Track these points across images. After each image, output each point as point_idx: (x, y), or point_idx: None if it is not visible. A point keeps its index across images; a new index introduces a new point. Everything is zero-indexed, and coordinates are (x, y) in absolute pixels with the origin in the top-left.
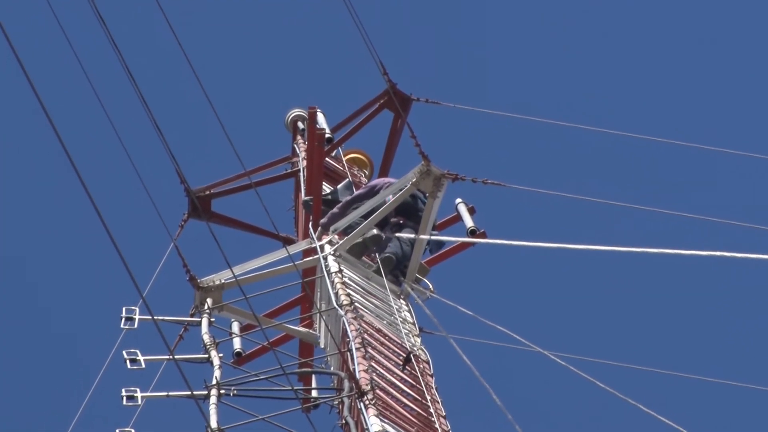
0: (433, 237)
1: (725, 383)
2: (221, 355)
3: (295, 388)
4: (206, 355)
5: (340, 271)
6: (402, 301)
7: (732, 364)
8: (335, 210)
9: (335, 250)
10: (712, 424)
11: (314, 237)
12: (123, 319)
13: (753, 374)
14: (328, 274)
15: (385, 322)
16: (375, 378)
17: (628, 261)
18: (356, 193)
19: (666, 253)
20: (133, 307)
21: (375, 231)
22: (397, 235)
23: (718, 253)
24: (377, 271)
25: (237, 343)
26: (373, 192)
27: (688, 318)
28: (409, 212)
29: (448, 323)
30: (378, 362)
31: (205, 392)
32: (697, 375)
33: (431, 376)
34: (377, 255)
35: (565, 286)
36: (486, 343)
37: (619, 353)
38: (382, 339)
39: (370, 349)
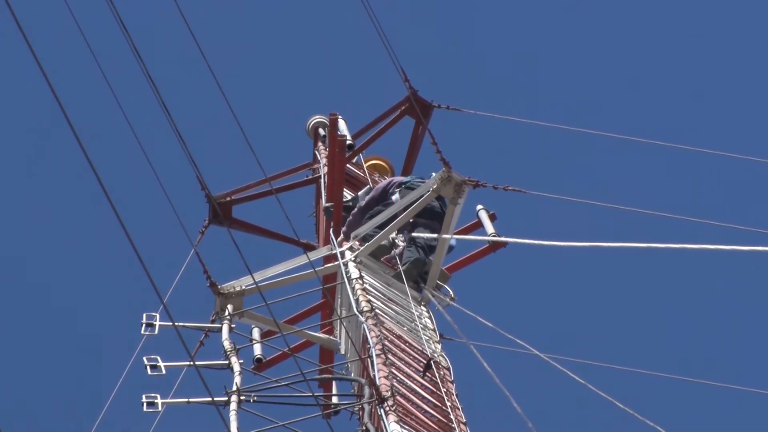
0: (455, 237)
1: (727, 387)
2: (242, 361)
3: (315, 394)
4: (227, 362)
5: (361, 277)
6: (423, 307)
7: (732, 368)
8: (351, 217)
9: (356, 257)
10: (707, 426)
11: (335, 243)
12: (144, 326)
13: (756, 377)
14: (348, 281)
15: (405, 328)
16: (395, 384)
17: (650, 265)
18: (368, 197)
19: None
20: (153, 314)
21: (418, 255)
22: (419, 235)
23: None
24: (398, 277)
25: (257, 350)
26: (386, 193)
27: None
28: (433, 215)
29: (469, 330)
30: (398, 369)
31: (226, 398)
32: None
33: (452, 382)
34: (400, 266)
35: (585, 294)
36: (507, 350)
37: (643, 362)
38: (403, 345)
39: (390, 356)
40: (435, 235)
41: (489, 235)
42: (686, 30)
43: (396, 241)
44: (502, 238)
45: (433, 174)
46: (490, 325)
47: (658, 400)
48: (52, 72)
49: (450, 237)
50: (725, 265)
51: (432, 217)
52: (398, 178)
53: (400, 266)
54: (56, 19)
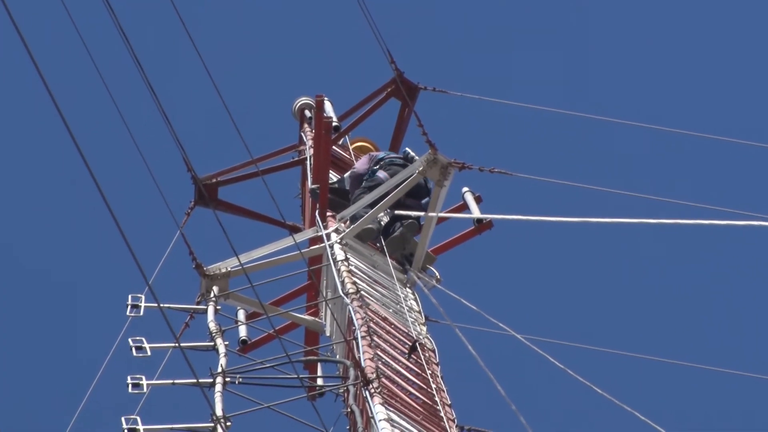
0: (441, 214)
1: (711, 369)
2: (227, 343)
3: (300, 376)
4: (212, 343)
5: (347, 259)
6: (408, 289)
7: (714, 350)
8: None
9: (341, 239)
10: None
11: (320, 225)
12: (129, 307)
13: (737, 359)
14: (334, 263)
15: (391, 310)
16: (380, 366)
17: (636, 248)
18: (355, 172)
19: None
20: (139, 295)
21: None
22: (403, 212)
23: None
24: (382, 251)
25: (243, 331)
26: (372, 162)
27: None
28: (420, 194)
29: (454, 312)
30: (384, 351)
31: (211, 380)
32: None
33: (437, 364)
34: (383, 239)
35: (571, 277)
36: (491, 332)
37: (632, 345)
38: (388, 327)
39: (375, 338)
40: (420, 213)
41: (474, 218)
42: (667, 17)
43: (382, 222)
44: (487, 215)
45: (407, 149)
46: (474, 308)
47: (644, 382)
48: (36, 49)
49: (435, 215)
50: (711, 246)
51: (418, 196)
52: (373, 154)
53: (384, 242)
54: None
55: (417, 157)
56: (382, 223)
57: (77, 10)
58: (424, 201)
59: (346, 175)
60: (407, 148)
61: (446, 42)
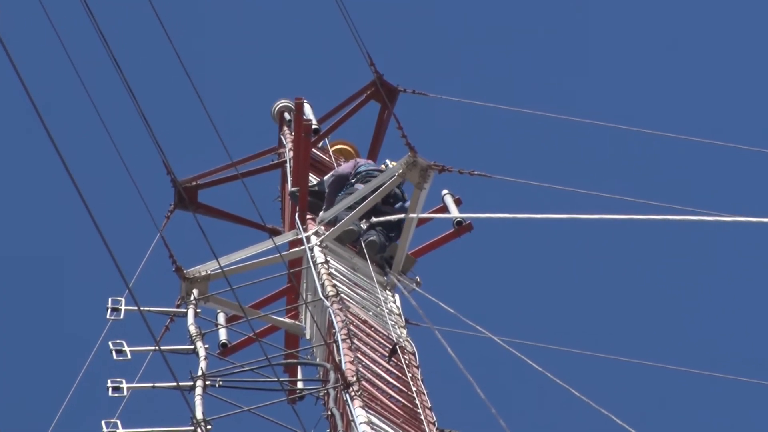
0: (421, 215)
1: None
2: (207, 346)
3: (280, 379)
4: (192, 346)
5: (327, 262)
6: (388, 292)
7: (692, 352)
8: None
9: (321, 241)
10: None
11: (300, 228)
12: (109, 310)
13: (715, 360)
14: (314, 265)
15: (371, 313)
16: (361, 369)
17: (615, 250)
18: (338, 173)
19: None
20: (119, 298)
21: (376, 238)
22: (380, 220)
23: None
24: (362, 255)
25: (223, 334)
26: (347, 178)
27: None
28: (394, 201)
29: (434, 315)
30: (364, 353)
31: (191, 383)
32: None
33: (417, 367)
34: (361, 240)
35: (550, 279)
36: (471, 335)
37: (610, 347)
38: (368, 330)
39: (356, 341)
40: (400, 216)
41: (454, 220)
42: (650, 20)
43: (362, 226)
44: (466, 215)
45: (387, 161)
46: (452, 311)
47: (622, 385)
48: (15, 53)
49: (415, 216)
50: (693, 248)
51: (393, 203)
52: (359, 161)
53: (363, 244)
54: None
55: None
56: (363, 227)
57: (56, 12)
58: (397, 205)
59: (327, 176)
60: (387, 160)
61: (426, 44)
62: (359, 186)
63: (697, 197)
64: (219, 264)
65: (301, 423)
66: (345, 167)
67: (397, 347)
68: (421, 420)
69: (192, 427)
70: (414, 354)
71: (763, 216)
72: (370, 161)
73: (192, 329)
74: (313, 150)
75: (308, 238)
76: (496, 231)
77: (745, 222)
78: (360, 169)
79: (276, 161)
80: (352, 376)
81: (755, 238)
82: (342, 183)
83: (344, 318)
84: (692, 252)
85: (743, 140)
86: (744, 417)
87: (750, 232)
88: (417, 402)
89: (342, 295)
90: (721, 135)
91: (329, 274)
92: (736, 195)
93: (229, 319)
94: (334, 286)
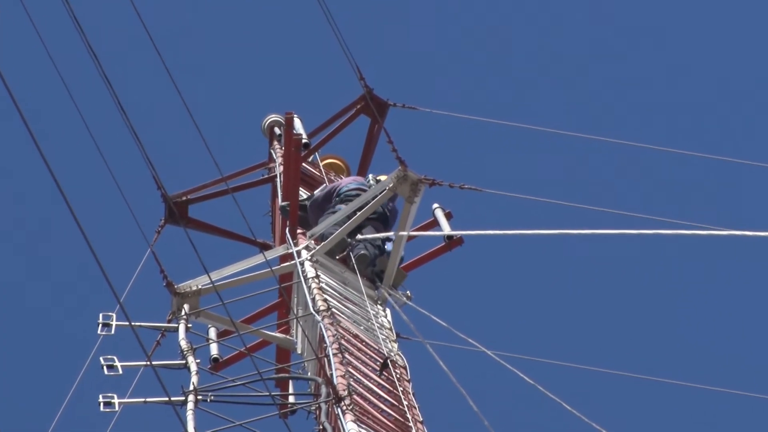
0: (412, 233)
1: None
2: (198, 361)
3: (272, 393)
4: (183, 361)
5: (317, 276)
6: (379, 306)
7: (684, 366)
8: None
9: (312, 256)
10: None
11: (291, 242)
12: (100, 325)
13: (708, 374)
14: (304, 280)
15: (362, 327)
16: (352, 383)
17: (607, 263)
18: (319, 195)
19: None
20: (110, 313)
21: (366, 252)
22: (370, 236)
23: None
24: (352, 269)
25: (214, 349)
26: (330, 196)
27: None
28: (381, 218)
29: (425, 329)
30: (355, 368)
31: (183, 398)
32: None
33: (408, 381)
34: (351, 254)
35: (541, 292)
36: (462, 348)
37: (602, 361)
38: (360, 345)
39: (347, 355)
40: (387, 234)
41: (445, 234)
42: (641, 30)
43: (352, 241)
44: (457, 231)
45: (370, 176)
46: (444, 324)
47: (614, 398)
48: (4, 67)
49: (405, 234)
50: (683, 261)
51: (380, 219)
52: (356, 177)
53: (353, 258)
54: (6, 9)
55: (379, 179)
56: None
57: (45, 27)
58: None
59: (318, 191)
60: (370, 175)
61: (415, 58)
62: (340, 207)
63: (689, 211)
64: (210, 279)
65: None
66: (344, 182)
67: (389, 361)
68: None
69: None
70: (405, 368)
71: (754, 229)
72: (359, 178)
73: (183, 344)
74: (304, 164)
75: (299, 253)
76: (488, 244)
77: (741, 236)
78: (342, 189)
79: (266, 176)
80: (344, 390)
81: (746, 251)
82: (322, 207)
83: (335, 332)
84: (685, 267)
85: (735, 154)
86: (736, 430)
87: (739, 246)
88: (408, 416)
89: (333, 309)
90: (711, 148)
91: (320, 288)
92: (731, 207)
93: (221, 334)
94: (325, 300)
